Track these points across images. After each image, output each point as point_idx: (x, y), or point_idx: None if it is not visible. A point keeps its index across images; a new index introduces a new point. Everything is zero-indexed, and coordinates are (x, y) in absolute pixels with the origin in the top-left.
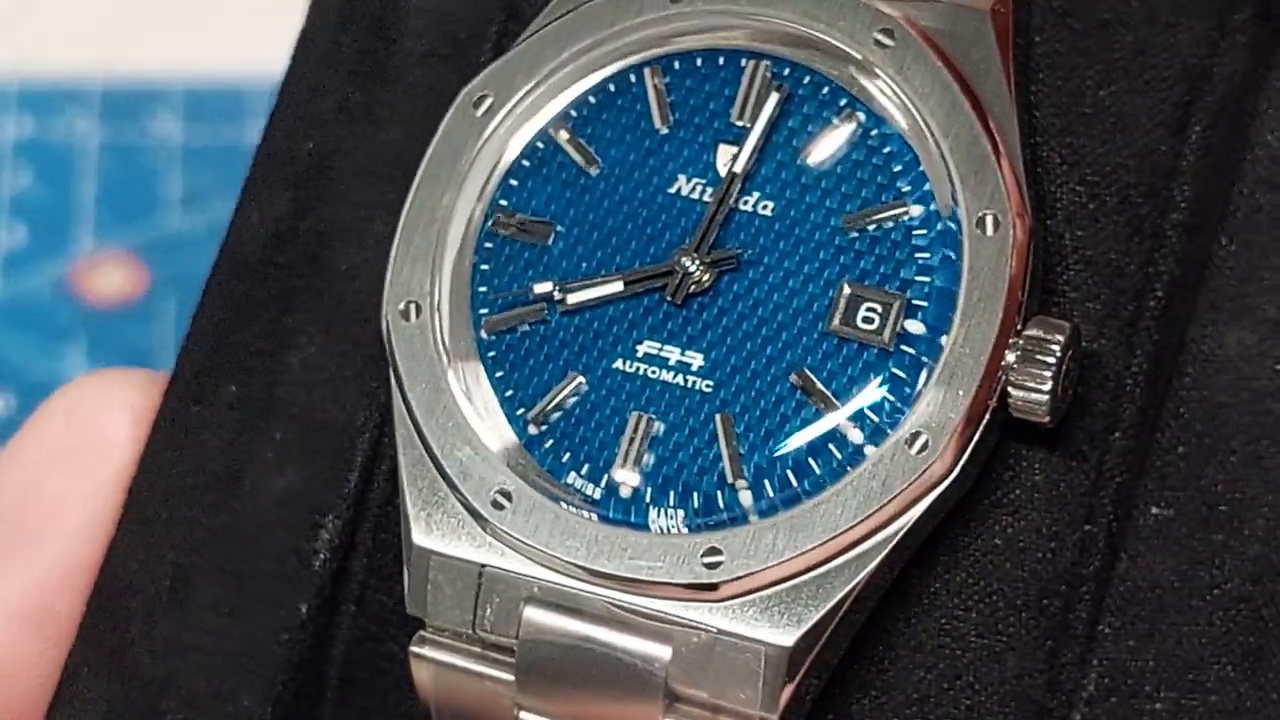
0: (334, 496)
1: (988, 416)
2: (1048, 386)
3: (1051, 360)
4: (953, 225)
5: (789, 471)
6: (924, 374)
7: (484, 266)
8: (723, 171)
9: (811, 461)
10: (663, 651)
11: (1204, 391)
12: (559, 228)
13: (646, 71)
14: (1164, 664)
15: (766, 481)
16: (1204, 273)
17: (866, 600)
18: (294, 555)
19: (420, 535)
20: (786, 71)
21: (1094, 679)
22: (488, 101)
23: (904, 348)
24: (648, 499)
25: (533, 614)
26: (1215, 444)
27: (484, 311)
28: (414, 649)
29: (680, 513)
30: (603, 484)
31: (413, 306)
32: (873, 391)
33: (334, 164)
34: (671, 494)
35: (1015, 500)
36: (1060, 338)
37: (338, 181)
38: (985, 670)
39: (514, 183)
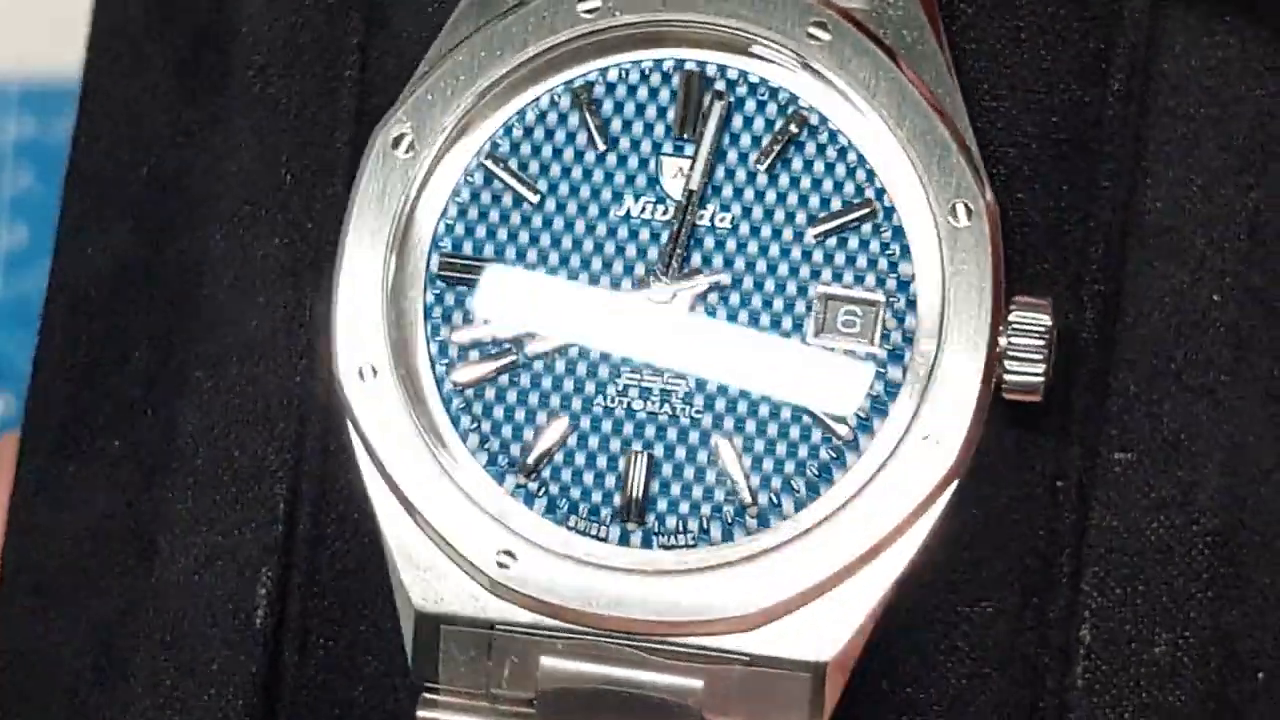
0: (262, 549)
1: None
2: (1041, 368)
3: (1042, 341)
4: (924, 219)
5: (802, 489)
6: (920, 372)
7: (435, 317)
8: (670, 189)
9: (822, 476)
10: (694, 684)
11: (1146, 330)
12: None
13: (573, 91)
14: (1153, 605)
15: (781, 502)
16: (1130, 214)
17: (894, 602)
18: (232, 615)
19: (422, 602)
20: (722, 77)
21: (1088, 630)
22: (407, 139)
23: (890, 348)
24: (659, 537)
25: (551, 664)
26: (1166, 382)
27: (445, 364)
28: (422, 713)
29: (696, 547)
30: (610, 527)
31: (369, 368)
32: (868, 397)
33: (184, 187)
34: (683, 529)
35: (987, 467)
36: (1047, 317)
37: (193, 207)
38: (978, 638)
39: (452, 223)
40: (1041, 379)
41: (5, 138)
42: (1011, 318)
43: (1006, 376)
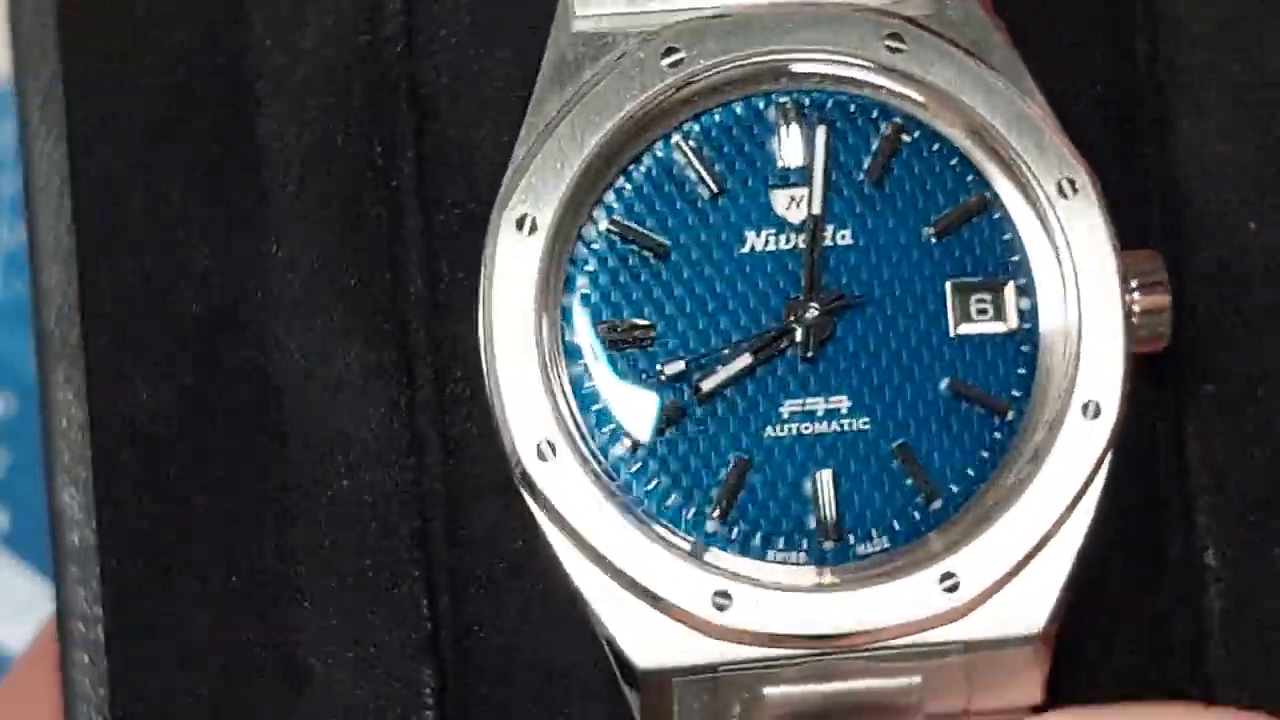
0: (415, 649)
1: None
2: (1168, 318)
3: (1165, 292)
4: (1034, 199)
5: (981, 478)
6: (1065, 344)
7: (587, 388)
8: (789, 217)
9: (993, 459)
10: (913, 679)
11: (1210, 270)
12: (656, 323)
13: (675, 141)
14: (1264, 524)
15: (960, 491)
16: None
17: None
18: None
19: (646, 660)
20: (815, 102)
21: (1213, 555)
22: (529, 219)
23: (1030, 325)
24: (857, 549)
25: (776, 692)
26: (1232, 317)
27: (608, 432)
28: None
29: (892, 550)
30: (807, 550)
31: (546, 445)
32: (1020, 375)
33: (236, 305)
34: (878, 537)
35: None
36: (1161, 268)
37: (252, 324)
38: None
39: (588, 294)
40: (1169, 328)
41: (5, 138)
42: (1129, 273)
43: (1140, 332)
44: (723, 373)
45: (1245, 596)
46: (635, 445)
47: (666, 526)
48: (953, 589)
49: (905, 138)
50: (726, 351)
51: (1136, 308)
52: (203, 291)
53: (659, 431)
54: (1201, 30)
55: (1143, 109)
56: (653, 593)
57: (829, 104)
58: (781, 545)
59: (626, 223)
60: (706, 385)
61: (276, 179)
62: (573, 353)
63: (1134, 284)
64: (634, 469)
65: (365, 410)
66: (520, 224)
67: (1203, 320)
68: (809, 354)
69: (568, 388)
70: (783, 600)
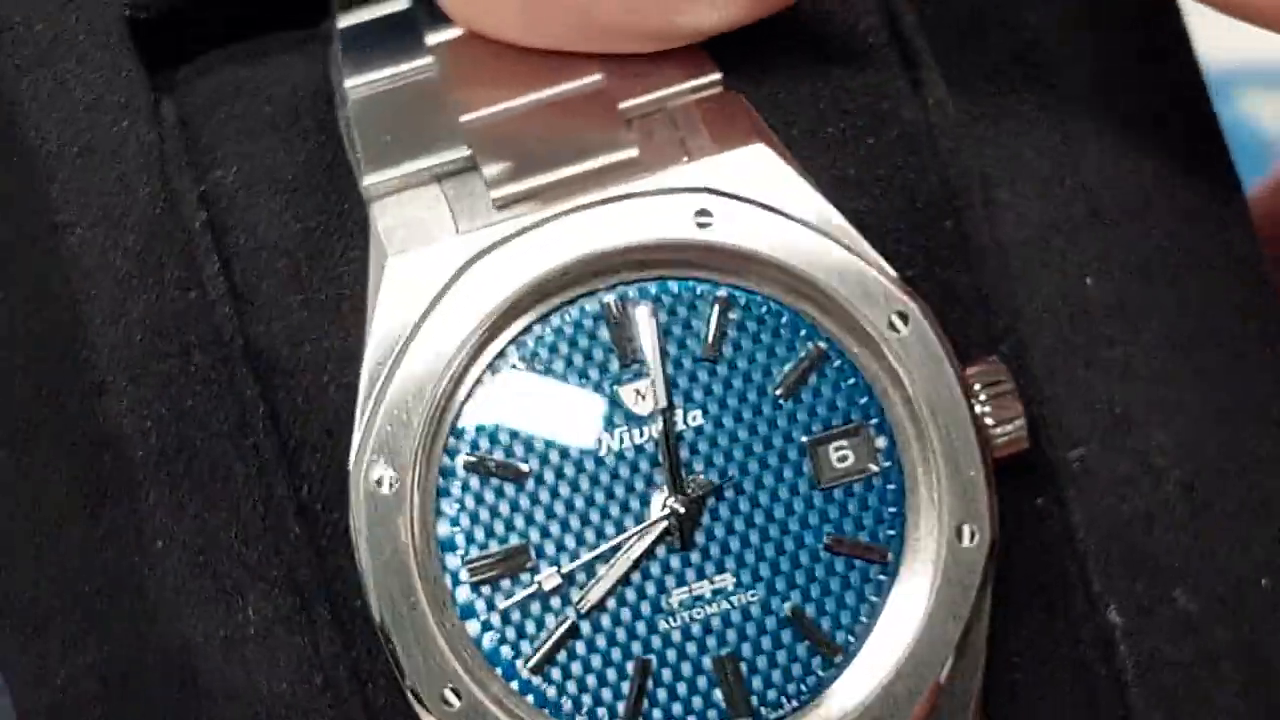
0: None
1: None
2: (1021, 419)
3: (1013, 393)
4: (870, 341)
5: (873, 623)
6: (927, 474)
7: (484, 617)
8: (638, 410)
9: (884, 604)
10: None
11: (1047, 338)
12: (529, 544)
13: (512, 363)
14: (1157, 567)
15: (860, 642)
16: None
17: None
18: None
19: None
20: (642, 293)
21: (1115, 613)
22: (385, 478)
23: (890, 464)
24: (769, 717)
25: None
26: (1082, 373)
27: (518, 658)
28: None
29: (803, 712)
30: None
31: (451, 693)
32: (894, 513)
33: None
34: (787, 702)
35: None
36: (1004, 371)
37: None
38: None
39: (458, 532)
40: (1026, 431)
41: None
42: (975, 387)
43: (997, 441)
44: (604, 582)
45: (1155, 646)
46: (538, 669)
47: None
48: None
49: (733, 309)
50: (599, 559)
51: (989, 420)
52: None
53: (556, 653)
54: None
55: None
56: None
57: (654, 291)
58: None
59: (482, 456)
60: (593, 597)
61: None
62: (457, 591)
63: (982, 397)
64: (543, 692)
65: (276, 661)
66: (379, 482)
67: (1048, 387)
68: (684, 545)
69: (458, 627)
70: None
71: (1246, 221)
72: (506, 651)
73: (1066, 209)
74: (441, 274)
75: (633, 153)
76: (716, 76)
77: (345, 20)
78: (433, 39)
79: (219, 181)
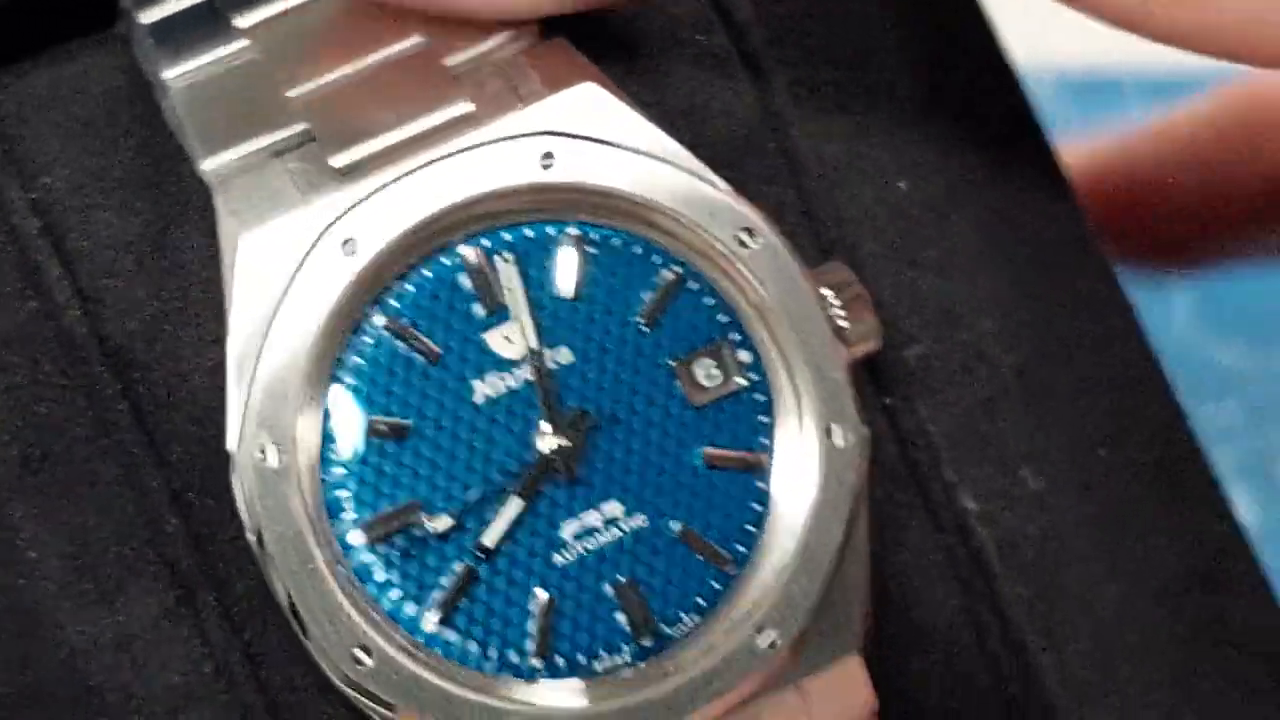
0: None
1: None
2: (874, 317)
3: (859, 288)
4: (719, 259)
5: (759, 531)
6: (794, 382)
7: (383, 576)
8: (507, 354)
9: (766, 513)
10: None
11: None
12: (419, 499)
13: (373, 319)
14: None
15: (747, 550)
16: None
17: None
18: None
19: None
20: (496, 241)
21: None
22: (270, 449)
23: (757, 377)
24: (672, 634)
25: None
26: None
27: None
28: None
29: (704, 625)
30: (629, 654)
31: (360, 650)
32: (765, 422)
33: None
34: (687, 616)
35: None
36: (849, 274)
37: None
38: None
39: (348, 492)
40: (877, 326)
41: None
42: (825, 293)
43: (851, 341)
44: (499, 523)
45: (1010, 525)
46: (443, 619)
47: (494, 685)
48: (770, 645)
49: (587, 246)
50: (489, 503)
51: (843, 324)
52: None
53: (458, 600)
54: None
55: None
56: None
57: (508, 238)
58: (604, 656)
59: (360, 409)
60: (489, 540)
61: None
62: (353, 555)
63: (835, 302)
64: (450, 640)
65: (165, 655)
66: (264, 457)
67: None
68: (572, 476)
69: (359, 589)
70: (628, 713)
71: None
72: (410, 608)
73: (869, 117)
74: (297, 246)
75: (469, 106)
76: (534, 26)
77: (148, 16)
78: (243, 22)
79: (49, 188)
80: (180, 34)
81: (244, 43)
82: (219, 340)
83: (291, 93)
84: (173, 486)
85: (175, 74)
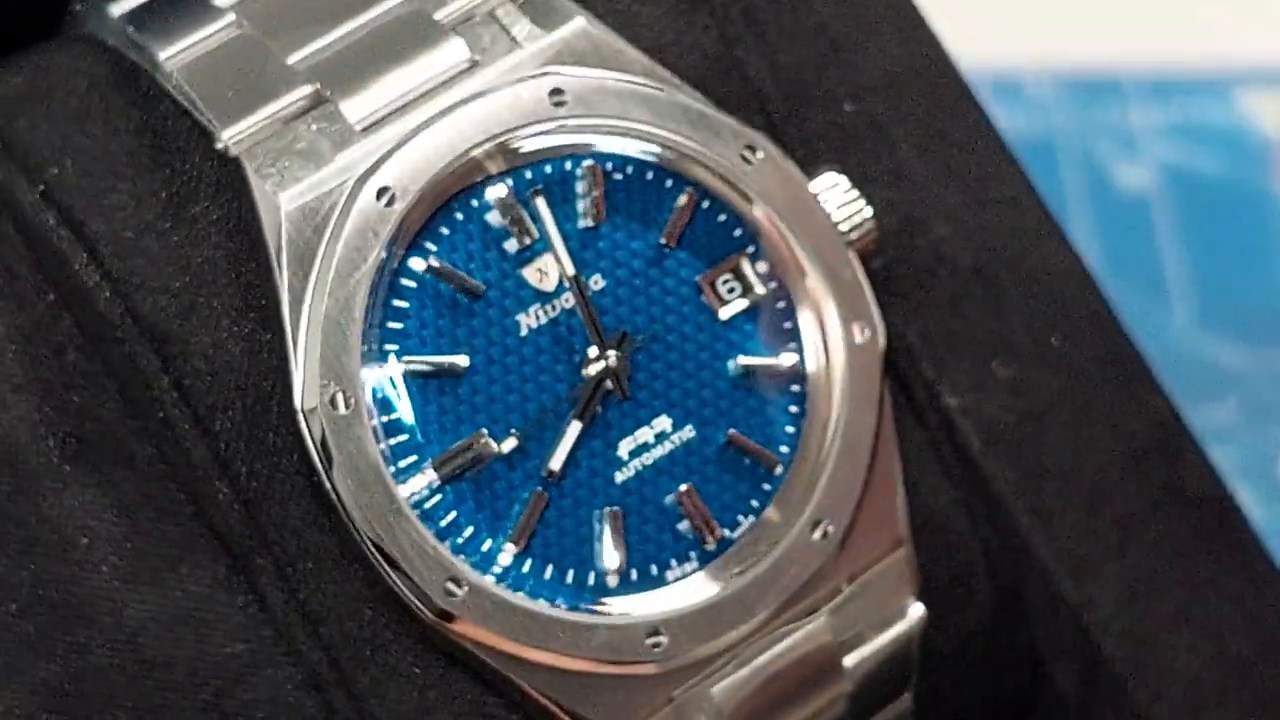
0: None
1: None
2: (871, 216)
3: (850, 186)
4: (728, 177)
5: (798, 433)
6: (811, 285)
7: (452, 516)
8: (544, 287)
9: (802, 419)
10: (820, 622)
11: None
12: (481, 431)
13: (424, 266)
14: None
15: (791, 451)
16: None
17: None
18: None
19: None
20: (520, 180)
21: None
22: (339, 395)
23: (775, 284)
24: (733, 536)
25: (724, 686)
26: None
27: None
28: None
29: (760, 523)
30: (697, 559)
31: (452, 583)
32: (789, 329)
33: None
34: (745, 518)
35: None
36: (841, 177)
37: None
38: None
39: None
40: (874, 221)
41: None
42: (822, 197)
43: (853, 239)
44: (562, 447)
45: (989, 414)
46: (522, 546)
47: (577, 603)
48: (824, 535)
49: (605, 175)
50: (550, 428)
51: (844, 225)
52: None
53: (532, 524)
54: None
55: None
56: (601, 660)
57: (530, 175)
58: (674, 565)
59: (415, 351)
60: (555, 464)
61: None
62: (427, 493)
63: (835, 204)
64: (526, 571)
65: (224, 624)
66: (335, 404)
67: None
68: (625, 394)
69: (437, 525)
70: (701, 613)
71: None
72: (487, 543)
73: (813, 43)
74: (334, 200)
75: (469, 53)
76: None
77: (119, 7)
78: (221, 1)
79: (58, 179)
80: (160, 18)
81: (229, 18)
82: (251, 306)
83: (291, 59)
84: (220, 456)
85: (170, 54)
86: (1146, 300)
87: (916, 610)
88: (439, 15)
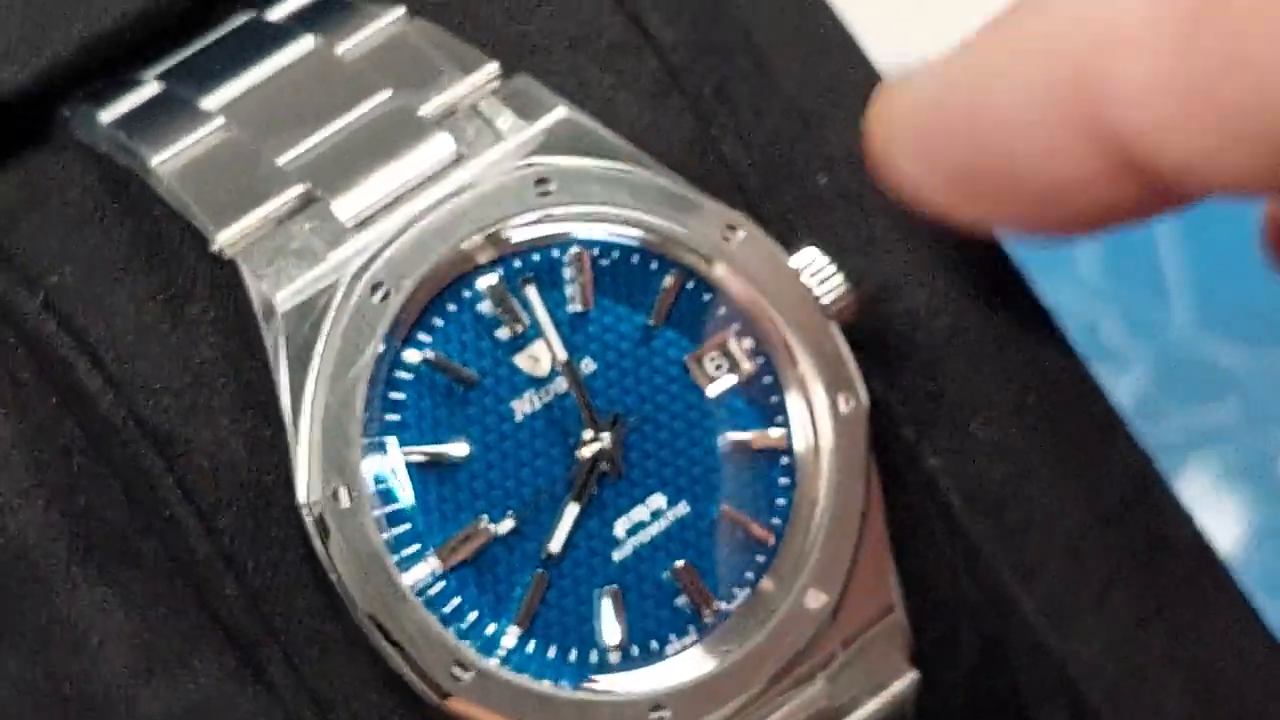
0: None
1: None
2: (847, 287)
3: (827, 261)
4: (710, 256)
5: (788, 505)
6: (796, 358)
7: (455, 602)
8: (537, 373)
9: (793, 490)
10: (817, 687)
11: None
12: (481, 517)
13: (409, 356)
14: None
15: (783, 523)
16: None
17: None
18: None
19: None
20: (509, 269)
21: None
22: (337, 489)
23: (761, 360)
24: (729, 608)
25: None
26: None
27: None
28: None
29: (755, 597)
30: (695, 631)
31: (459, 668)
32: (777, 402)
33: None
34: (740, 590)
35: None
36: (818, 253)
37: None
38: None
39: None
40: (852, 295)
41: None
42: (803, 271)
43: (833, 312)
44: (561, 529)
45: (972, 475)
46: (525, 629)
47: (580, 682)
48: (818, 603)
49: (592, 261)
50: (547, 512)
51: (824, 300)
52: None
53: (534, 606)
54: None
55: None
56: None
57: (518, 264)
58: (673, 640)
59: (413, 442)
60: (554, 546)
61: None
62: (428, 582)
63: (815, 278)
64: (530, 652)
65: (235, 715)
66: (337, 498)
67: None
68: (618, 473)
69: (440, 612)
70: (705, 688)
71: None
72: (490, 626)
73: (784, 118)
74: (329, 297)
75: (456, 147)
76: (494, 65)
77: (109, 115)
78: (210, 104)
79: (57, 286)
80: (149, 123)
81: (218, 121)
82: (251, 403)
83: (281, 160)
84: (226, 551)
85: (162, 159)
86: (1146, 300)
87: (910, 674)
88: (423, 111)
